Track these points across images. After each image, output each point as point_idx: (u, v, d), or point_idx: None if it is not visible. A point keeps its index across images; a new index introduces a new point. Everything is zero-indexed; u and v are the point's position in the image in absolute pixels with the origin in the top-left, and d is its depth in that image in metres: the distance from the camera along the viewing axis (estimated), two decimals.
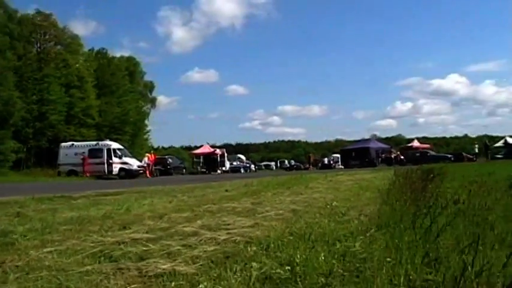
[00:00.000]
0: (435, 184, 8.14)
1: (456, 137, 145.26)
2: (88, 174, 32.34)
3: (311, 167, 58.73)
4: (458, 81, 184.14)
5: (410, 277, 2.64)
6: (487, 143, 47.93)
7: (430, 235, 3.46)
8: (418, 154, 47.40)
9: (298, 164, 70.38)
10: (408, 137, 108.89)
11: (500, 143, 52.11)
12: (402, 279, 2.61)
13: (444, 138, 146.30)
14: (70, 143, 35.97)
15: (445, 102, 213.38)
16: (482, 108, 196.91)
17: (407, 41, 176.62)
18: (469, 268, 2.58)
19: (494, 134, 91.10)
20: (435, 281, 2.62)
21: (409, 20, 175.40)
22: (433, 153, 49.91)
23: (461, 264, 2.68)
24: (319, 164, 59.67)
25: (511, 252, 2.77)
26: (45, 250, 3.79)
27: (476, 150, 49.10)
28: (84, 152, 33.76)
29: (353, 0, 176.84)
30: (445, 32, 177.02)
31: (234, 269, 2.94)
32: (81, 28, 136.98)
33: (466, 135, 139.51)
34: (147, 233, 4.55)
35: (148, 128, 62.70)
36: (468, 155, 48.87)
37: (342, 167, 51.91)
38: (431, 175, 9.88)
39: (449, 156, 47.33)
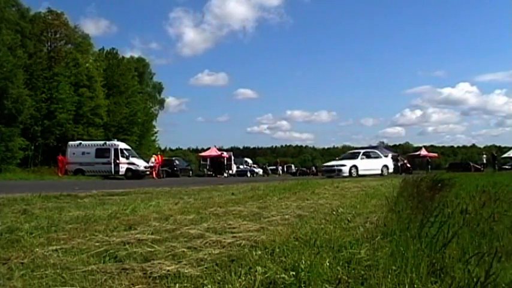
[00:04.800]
0: (443, 193, 8.08)
1: (464, 147, 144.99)
2: (60, 174, 32.52)
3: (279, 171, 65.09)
4: (469, 90, 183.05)
5: (415, 286, 2.63)
6: (494, 153, 47.61)
7: (436, 244, 3.45)
8: None
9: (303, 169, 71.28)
10: (416, 145, 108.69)
11: (508, 154, 51.88)
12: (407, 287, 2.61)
13: (452, 147, 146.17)
14: (78, 142, 36.20)
15: (455, 111, 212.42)
16: (492, 118, 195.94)
17: (418, 48, 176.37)
18: (474, 279, 2.57)
19: (503, 145, 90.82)
20: None
21: (421, 28, 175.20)
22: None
23: (466, 275, 2.67)
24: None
25: None
26: (50, 248, 3.81)
27: (484, 161, 48.87)
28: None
29: (365, 7, 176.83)
30: (457, 41, 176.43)
31: (239, 273, 2.94)
32: (92, 27, 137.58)
33: (474, 145, 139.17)
34: (152, 234, 4.56)
35: (156, 129, 62.86)
36: (475, 165, 48.68)
37: None
38: (439, 184, 9.82)
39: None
